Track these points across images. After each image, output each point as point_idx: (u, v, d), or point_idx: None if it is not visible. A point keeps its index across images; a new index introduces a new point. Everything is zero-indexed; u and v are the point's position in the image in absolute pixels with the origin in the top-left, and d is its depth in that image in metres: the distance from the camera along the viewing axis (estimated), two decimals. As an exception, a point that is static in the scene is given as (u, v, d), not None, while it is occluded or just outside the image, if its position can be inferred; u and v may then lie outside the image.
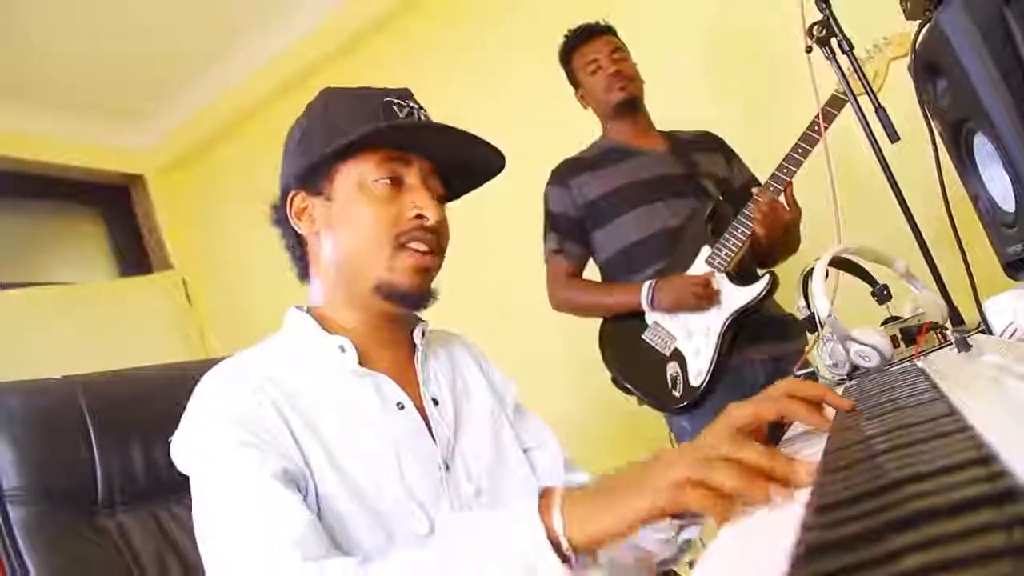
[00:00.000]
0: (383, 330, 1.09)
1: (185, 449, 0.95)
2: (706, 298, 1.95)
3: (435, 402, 1.08)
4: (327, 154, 1.03)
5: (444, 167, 1.10)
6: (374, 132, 1.01)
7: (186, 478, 0.93)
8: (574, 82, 2.29)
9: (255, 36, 3.54)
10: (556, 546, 0.67)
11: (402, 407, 1.03)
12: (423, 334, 1.14)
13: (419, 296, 1.06)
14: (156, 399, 1.20)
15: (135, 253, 4.05)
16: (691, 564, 0.48)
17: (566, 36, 2.28)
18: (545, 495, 0.70)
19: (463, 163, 1.11)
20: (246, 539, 0.82)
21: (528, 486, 1.11)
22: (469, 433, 1.09)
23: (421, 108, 1.09)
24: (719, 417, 0.76)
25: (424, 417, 1.05)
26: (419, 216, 1.04)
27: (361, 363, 1.03)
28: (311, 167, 1.05)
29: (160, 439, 1.13)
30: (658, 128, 2.25)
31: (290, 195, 1.08)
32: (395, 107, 1.05)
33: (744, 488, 0.58)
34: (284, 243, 1.13)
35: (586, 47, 2.22)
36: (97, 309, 3.53)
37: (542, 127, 2.80)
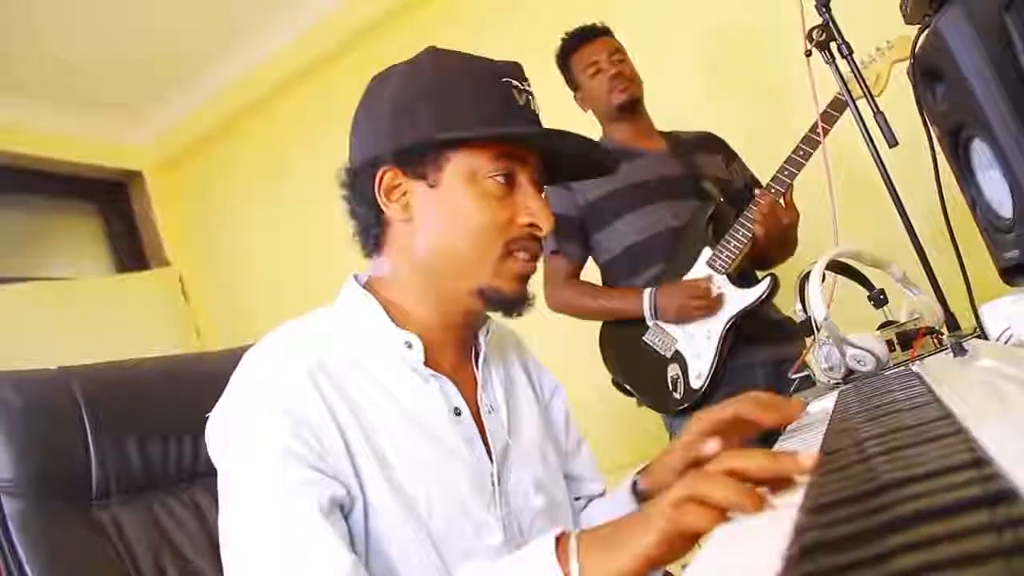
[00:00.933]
0: (452, 329, 1.02)
1: (223, 436, 0.89)
2: (709, 307, 1.95)
3: (491, 409, 1.03)
4: (442, 141, 0.94)
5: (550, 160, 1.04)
6: (507, 136, 0.96)
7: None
8: (573, 84, 2.28)
9: (254, 34, 3.53)
10: None
11: (458, 412, 0.98)
12: (487, 333, 1.08)
13: (523, 302, 1.00)
14: (153, 391, 1.20)
15: (132, 249, 4.05)
16: (684, 565, 0.48)
17: (564, 39, 2.27)
18: (561, 541, 0.70)
19: (572, 160, 1.07)
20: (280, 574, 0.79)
21: (565, 508, 1.09)
22: (521, 443, 1.05)
23: (530, 88, 1.01)
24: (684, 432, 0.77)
25: (479, 424, 1.00)
26: (532, 224, 0.98)
27: (425, 363, 0.97)
28: (416, 147, 0.95)
29: (157, 432, 1.12)
30: (658, 129, 2.25)
31: (382, 170, 0.97)
32: (515, 91, 0.98)
33: (740, 504, 0.58)
34: (352, 212, 1.03)
35: (585, 49, 2.21)
36: (94, 305, 3.53)
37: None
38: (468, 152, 0.95)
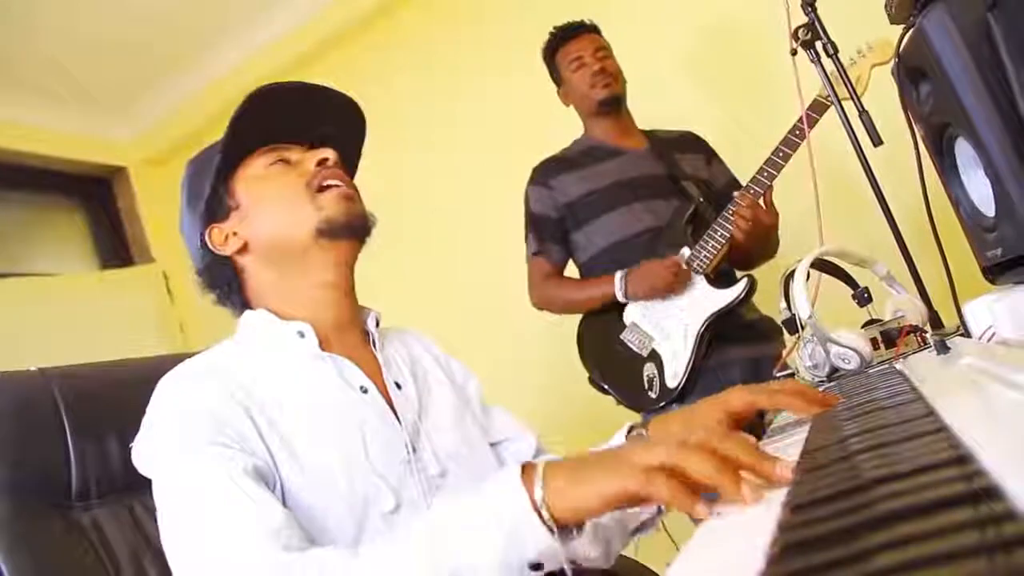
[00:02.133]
0: (335, 318, 1.09)
1: (149, 452, 0.94)
2: (679, 281, 1.95)
3: (398, 386, 1.09)
4: (218, 175, 1.08)
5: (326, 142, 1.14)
6: (240, 123, 1.06)
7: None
8: (557, 79, 2.28)
9: (240, 30, 3.51)
10: (538, 515, 0.67)
11: (365, 391, 1.04)
12: (377, 322, 1.15)
13: (357, 221, 1.09)
14: (133, 393, 1.17)
15: (116, 245, 4.02)
16: (668, 563, 0.48)
17: (551, 33, 2.28)
18: (527, 467, 0.71)
19: (335, 129, 1.15)
20: (222, 536, 0.81)
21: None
22: (433, 418, 1.10)
23: (293, 83, 1.13)
24: (717, 396, 0.77)
25: (388, 401, 1.06)
26: (319, 164, 1.09)
27: (321, 348, 1.04)
28: (208, 199, 1.09)
29: (137, 433, 1.11)
30: (640, 127, 2.25)
31: (206, 235, 1.09)
32: (259, 98, 1.07)
33: (718, 480, 0.58)
34: (217, 290, 1.13)
35: (570, 44, 2.22)
36: (77, 301, 3.50)
37: (525, 126, 2.80)
38: (243, 168, 1.10)
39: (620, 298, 2.02)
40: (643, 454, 0.65)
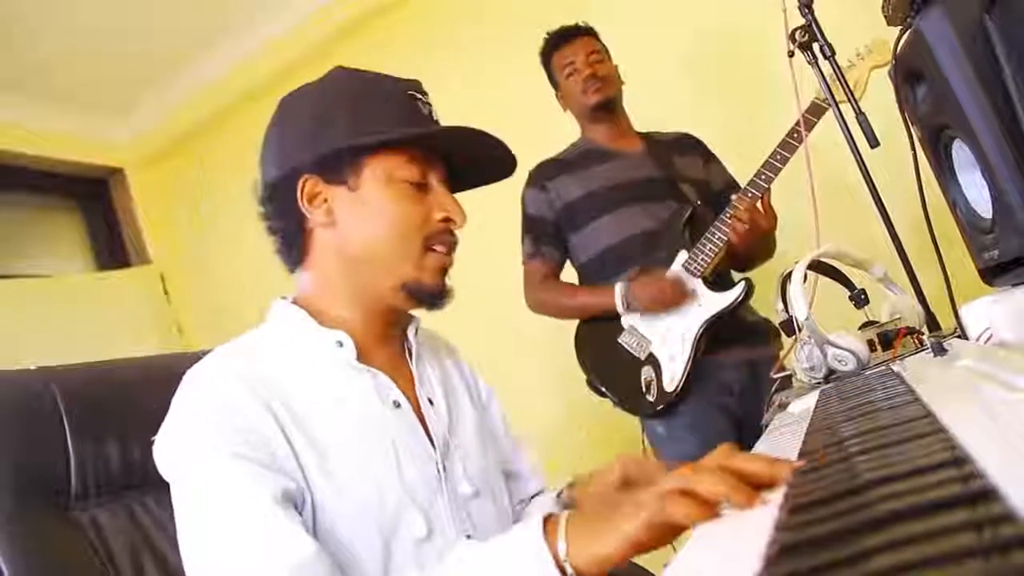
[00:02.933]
0: (379, 327, 1.07)
1: (172, 454, 0.90)
2: (681, 297, 1.95)
3: (430, 402, 1.07)
4: (360, 146, 1.00)
5: (455, 165, 1.09)
6: (421, 135, 1.02)
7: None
8: (554, 83, 2.28)
9: (236, 32, 3.51)
10: (561, 572, 0.67)
11: (398, 405, 1.02)
12: (415, 332, 1.12)
13: (443, 295, 1.06)
14: (133, 392, 1.18)
15: (113, 246, 4.01)
16: (665, 564, 0.48)
17: (546, 38, 2.27)
18: (548, 522, 0.71)
19: (474, 163, 1.11)
20: (245, 567, 0.80)
21: (504, 503, 1.11)
22: (461, 437, 1.08)
23: (431, 103, 1.09)
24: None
25: (419, 416, 1.04)
26: (446, 219, 1.04)
27: (358, 359, 1.01)
28: (335, 154, 1.00)
29: (136, 433, 1.11)
30: (637, 129, 2.24)
31: (303, 179, 1.01)
32: (419, 103, 1.05)
33: (734, 498, 0.58)
34: (273, 228, 1.07)
35: (565, 49, 2.21)
36: (74, 302, 3.50)
37: (523, 128, 2.80)
38: (383, 156, 1.01)
39: (621, 311, 2.02)
40: (655, 487, 0.65)
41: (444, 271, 1.05)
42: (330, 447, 0.92)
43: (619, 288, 2.00)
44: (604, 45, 2.23)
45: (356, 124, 1.00)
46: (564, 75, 2.20)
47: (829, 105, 1.49)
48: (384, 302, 1.04)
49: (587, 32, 2.23)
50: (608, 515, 0.67)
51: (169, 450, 0.91)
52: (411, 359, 1.10)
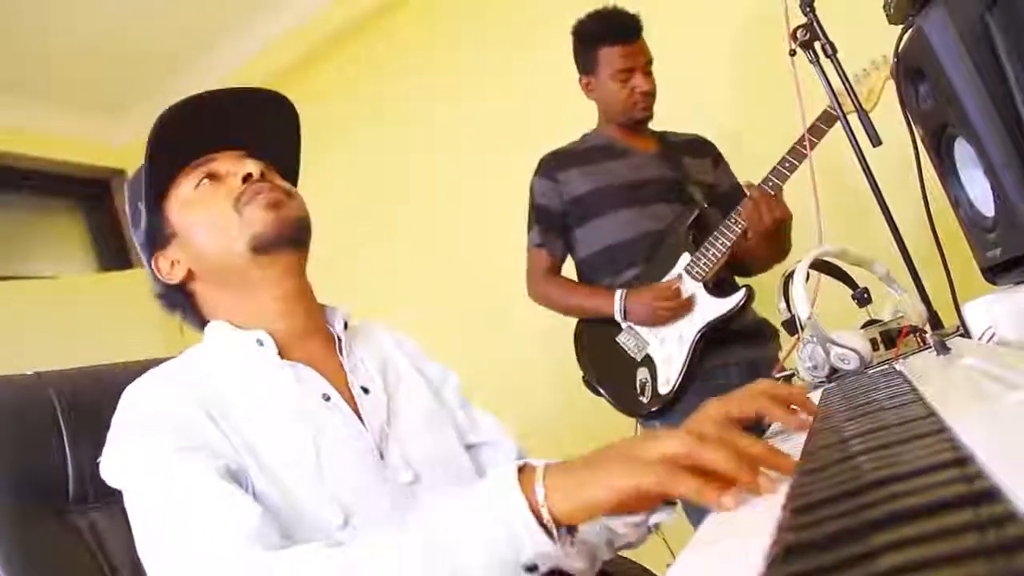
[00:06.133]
0: (297, 323, 1.08)
1: (119, 463, 0.93)
2: (678, 311, 1.95)
3: (365, 391, 1.07)
4: (148, 199, 1.07)
5: (257, 146, 1.11)
6: (156, 146, 1.03)
7: None
8: (588, 70, 2.16)
9: (240, 31, 3.51)
10: (537, 518, 0.65)
11: (328, 398, 1.03)
12: (345, 325, 1.13)
13: (287, 231, 1.06)
14: None
15: (115, 248, 4.02)
16: (668, 564, 0.48)
17: (594, 22, 2.14)
18: (525, 468, 0.69)
19: (267, 131, 1.12)
20: (199, 539, 0.80)
21: (472, 480, 1.09)
22: (404, 421, 1.08)
23: (203, 95, 1.08)
24: (697, 412, 0.75)
25: (355, 407, 1.04)
26: (244, 179, 1.06)
27: (281, 356, 1.03)
28: (147, 228, 1.08)
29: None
30: (651, 127, 2.21)
31: (152, 265, 1.10)
32: (166, 119, 1.04)
33: (736, 471, 0.57)
34: (183, 317, 1.13)
35: (622, 48, 2.09)
36: (76, 304, 3.50)
37: (525, 126, 2.80)
38: (173, 191, 1.07)
39: (618, 319, 2.02)
40: (654, 447, 0.62)
41: (272, 205, 1.05)
42: (262, 446, 0.94)
43: (618, 296, 2.00)
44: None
45: (139, 189, 1.07)
46: (612, 74, 2.10)
47: (838, 116, 1.48)
48: (264, 282, 1.06)
49: (641, 31, 2.12)
50: (598, 465, 0.65)
51: (114, 460, 0.94)
52: (340, 350, 1.10)
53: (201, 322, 1.11)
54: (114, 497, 1.11)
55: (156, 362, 1.08)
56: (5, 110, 3.43)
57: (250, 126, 1.10)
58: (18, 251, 3.81)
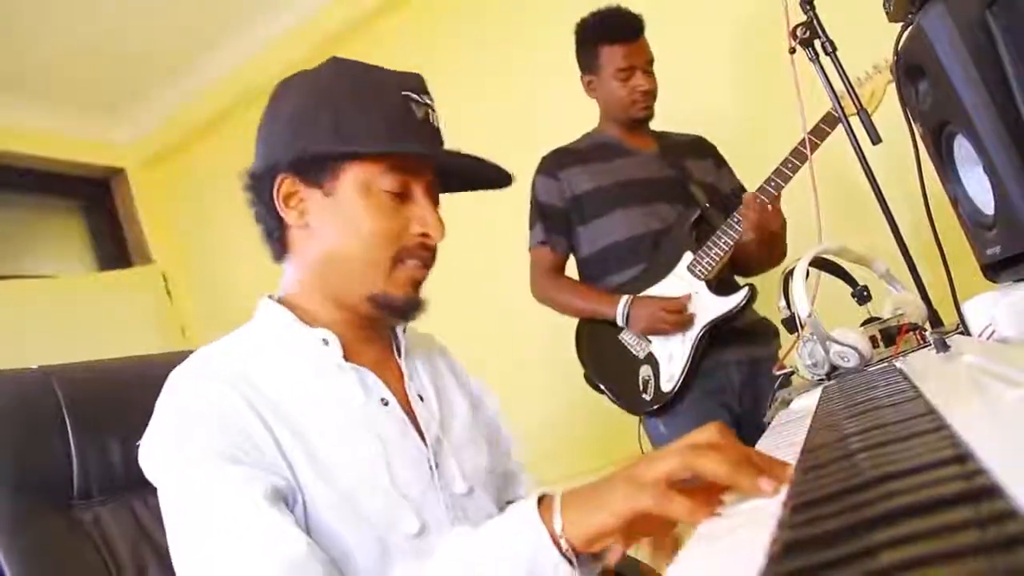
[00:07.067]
0: (364, 326, 1.05)
1: (158, 458, 0.89)
2: (680, 325, 1.96)
3: (420, 398, 1.05)
4: (338, 152, 0.97)
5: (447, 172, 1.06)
6: (400, 153, 0.99)
7: None
8: (590, 69, 2.17)
9: (238, 32, 3.51)
10: (557, 548, 0.66)
11: (386, 403, 1.00)
12: (404, 329, 1.11)
13: (414, 308, 1.03)
14: (135, 391, 1.17)
15: (115, 247, 4.02)
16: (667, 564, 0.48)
17: (596, 20, 2.15)
18: (544, 500, 0.70)
19: (469, 175, 1.08)
20: (236, 567, 0.79)
21: (494, 499, 1.09)
22: (455, 432, 1.07)
23: (431, 101, 1.04)
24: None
25: (410, 414, 1.02)
26: (424, 235, 1.01)
27: (344, 357, 1.00)
28: (313, 157, 0.98)
29: (138, 431, 1.11)
30: (652, 127, 2.21)
31: (280, 178, 0.99)
32: (413, 105, 1.00)
33: (736, 480, 0.58)
34: (256, 216, 1.05)
35: (624, 48, 2.09)
36: (76, 303, 3.50)
37: (525, 125, 2.80)
38: (363, 164, 0.98)
39: (619, 324, 2.02)
40: (652, 468, 0.63)
41: (416, 284, 1.03)
42: (318, 445, 0.91)
43: (622, 303, 2.00)
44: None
45: (337, 128, 0.97)
46: (613, 73, 2.10)
47: (838, 114, 1.48)
48: (355, 310, 1.02)
49: (642, 29, 2.13)
50: (603, 492, 0.66)
51: (155, 454, 0.90)
52: (399, 356, 1.08)
53: (277, 253, 1.05)
54: (118, 492, 1.12)
55: (160, 357, 1.07)
56: (5, 110, 3.42)
57: (464, 172, 1.07)
58: (18, 250, 3.81)
